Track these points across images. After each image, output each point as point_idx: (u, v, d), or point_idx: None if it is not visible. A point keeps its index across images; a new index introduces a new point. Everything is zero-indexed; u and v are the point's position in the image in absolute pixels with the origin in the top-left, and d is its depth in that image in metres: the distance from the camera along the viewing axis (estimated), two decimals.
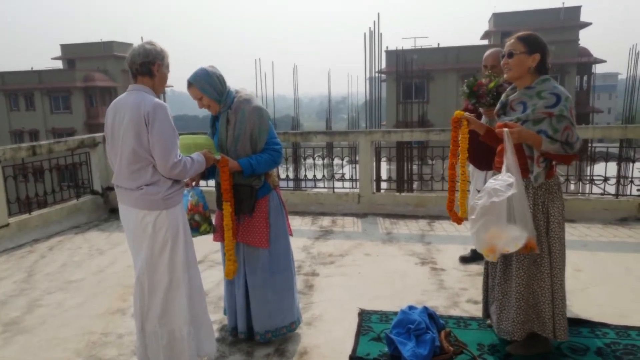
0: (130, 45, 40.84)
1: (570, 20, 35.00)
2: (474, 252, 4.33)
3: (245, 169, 2.80)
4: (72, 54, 39.54)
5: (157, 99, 2.53)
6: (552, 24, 34.38)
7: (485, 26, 40.58)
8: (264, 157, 2.83)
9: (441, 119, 28.29)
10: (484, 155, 3.93)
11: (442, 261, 4.38)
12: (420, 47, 34.21)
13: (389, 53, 31.94)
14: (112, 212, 6.74)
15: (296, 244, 4.64)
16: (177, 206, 2.62)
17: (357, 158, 6.70)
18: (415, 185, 8.74)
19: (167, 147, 2.44)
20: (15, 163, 5.88)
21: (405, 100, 31.39)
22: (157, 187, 2.53)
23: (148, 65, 2.56)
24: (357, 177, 6.56)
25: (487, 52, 3.78)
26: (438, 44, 33.29)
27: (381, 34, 21.15)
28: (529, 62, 2.65)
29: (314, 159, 6.86)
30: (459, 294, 3.68)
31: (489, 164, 3.90)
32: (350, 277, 4.09)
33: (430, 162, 6.66)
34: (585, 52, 32.28)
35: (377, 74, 32.70)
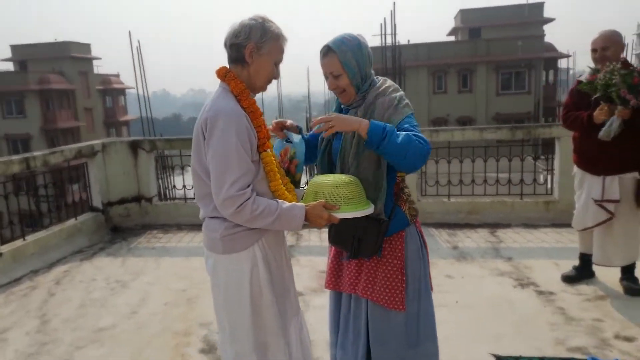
0: (88, 45, 38.84)
1: (534, 16, 35.55)
2: (578, 269, 3.76)
3: (373, 135, 1.82)
4: (24, 55, 37.04)
5: (228, 102, 1.79)
6: (517, 20, 34.86)
7: (451, 23, 40.87)
8: (405, 135, 1.83)
9: (416, 115, 28.11)
10: (599, 156, 3.39)
11: (542, 282, 3.78)
12: (390, 45, 33.96)
13: None
14: (115, 231, 5.83)
15: None
16: (245, 253, 1.87)
17: None
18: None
19: (220, 173, 1.74)
20: (5, 180, 4.91)
21: None
22: (217, 223, 1.87)
23: (238, 49, 1.82)
24: None
25: (597, 34, 3.31)
26: (408, 41, 32.99)
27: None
28: None
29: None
30: (599, 327, 3.07)
31: (607, 167, 3.35)
32: (450, 309, 3.42)
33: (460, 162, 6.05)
34: (551, 47, 32.88)
35: None
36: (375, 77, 2.09)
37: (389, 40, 18.73)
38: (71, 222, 5.45)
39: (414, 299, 2.10)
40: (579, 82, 3.41)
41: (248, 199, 1.74)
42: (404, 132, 1.87)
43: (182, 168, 6.22)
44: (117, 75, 43.22)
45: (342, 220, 1.86)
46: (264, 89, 1.91)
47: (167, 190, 6.46)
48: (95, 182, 5.84)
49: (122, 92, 42.69)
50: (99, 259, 4.91)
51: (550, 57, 32.12)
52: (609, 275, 3.71)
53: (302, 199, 1.99)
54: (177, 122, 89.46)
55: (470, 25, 36.21)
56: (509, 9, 35.62)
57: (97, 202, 5.86)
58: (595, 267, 3.71)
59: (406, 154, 1.82)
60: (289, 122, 2.20)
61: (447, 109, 30.52)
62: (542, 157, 7.25)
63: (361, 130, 1.86)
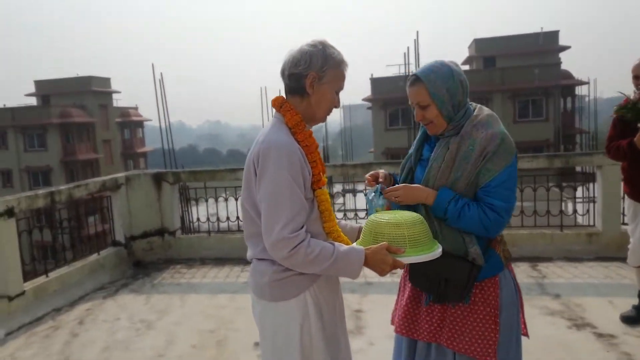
0: (108, 79, 39.75)
1: (550, 44, 35.60)
2: (638, 309, 3.47)
3: (438, 206, 1.81)
4: (47, 90, 38.01)
5: (281, 135, 1.63)
6: (532, 49, 34.92)
7: (465, 52, 41.04)
8: (474, 210, 1.79)
9: None
10: None
11: (599, 322, 3.48)
12: (404, 74, 34.19)
13: (374, 80, 31.80)
14: (138, 266, 5.67)
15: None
16: (295, 301, 1.68)
17: None
18: None
19: (272, 211, 1.58)
20: (29, 215, 4.80)
21: (392, 126, 31.33)
22: (266, 266, 1.70)
23: (298, 79, 1.67)
24: None
25: (638, 60, 3.18)
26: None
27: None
28: None
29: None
30: None
31: None
32: None
33: None
34: (568, 75, 32.74)
35: (362, 101, 32.66)
36: (470, 105, 1.93)
37: (411, 69, 18.76)
38: (93, 257, 5.30)
39: (505, 349, 1.90)
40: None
41: (302, 241, 1.57)
42: (473, 207, 1.80)
43: (207, 200, 6.08)
44: (136, 108, 44.10)
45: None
46: (324, 119, 1.76)
47: (190, 224, 6.30)
48: (119, 216, 5.71)
49: (140, 124, 43.43)
50: (122, 296, 4.74)
51: (568, 84, 31.92)
52: None
53: (355, 240, 1.81)
54: (193, 153, 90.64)
55: (485, 54, 36.29)
56: (524, 37, 35.75)
57: (119, 236, 5.72)
58: None
59: (468, 227, 1.82)
60: (381, 173, 2.02)
61: None
62: (564, 185, 6.98)
63: (427, 202, 1.86)
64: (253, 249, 1.74)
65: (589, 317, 3.58)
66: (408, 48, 17.68)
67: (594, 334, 3.35)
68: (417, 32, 16.68)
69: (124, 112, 41.51)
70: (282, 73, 1.72)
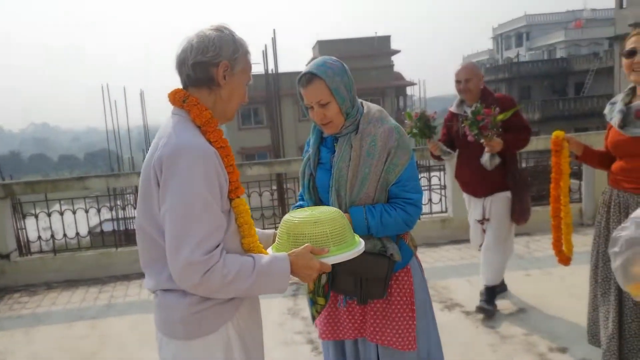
0: None
1: (383, 48, 38.83)
2: (485, 299, 3.60)
3: (357, 226, 1.77)
4: None
5: (192, 135, 1.38)
6: (368, 52, 37.72)
7: (309, 53, 42.62)
8: (393, 214, 1.81)
9: (286, 144, 28.60)
10: (473, 180, 3.49)
11: (465, 302, 3.79)
12: (254, 74, 34.27)
13: None
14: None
15: None
16: (214, 337, 1.42)
17: None
18: None
19: (180, 230, 1.30)
20: None
21: (246, 125, 31.32)
22: (176, 299, 1.40)
23: (206, 68, 1.42)
24: None
25: (460, 67, 3.40)
26: (272, 70, 33.55)
27: None
28: None
29: None
30: (532, 342, 3.13)
31: (485, 189, 3.46)
32: None
33: None
34: (400, 76, 36.22)
35: None
36: (358, 101, 1.91)
37: (270, 67, 18.68)
38: None
39: (425, 335, 1.97)
40: (451, 112, 3.51)
41: (216, 263, 1.31)
42: (396, 212, 1.81)
43: (49, 215, 5.28)
44: None
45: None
46: (233, 116, 1.53)
47: (29, 243, 5.42)
48: None
49: None
50: None
51: (400, 85, 35.21)
52: (519, 286, 3.89)
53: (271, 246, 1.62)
54: (17, 161, 79.75)
55: (328, 55, 38.13)
56: (361, 41, 38.40)
57: None
58: (506, 279, 3.85)
59: (394, 231, 1.86)
60: None
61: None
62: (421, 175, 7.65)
63: None
64: (156, 278, 1.44)
65: (456, 298, 3.90)
66: (266, 46, 17.57)
67: (462, 312, 3.65)
68: (274, 30, 16.70)
69: None
70: (182, 63, 1.43)
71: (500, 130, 3.14)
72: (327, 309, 1.98)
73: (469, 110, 3.24)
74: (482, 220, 3.52)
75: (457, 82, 3.38)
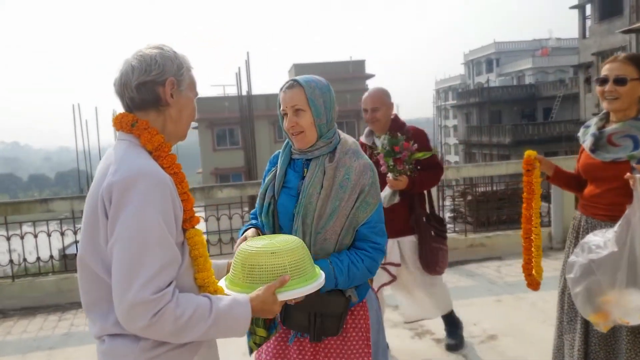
0: None
1: (358, 72, 39.48)
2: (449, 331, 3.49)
3: (326, 280, 1.60)
4: None
5: (144, 161, 1.29)
6: (343, 75, 38.27)
7: (285, 76, 42.94)
8: (360, 266, 1.70)
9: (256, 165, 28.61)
10: (386, 218, 2.50)
11: (435, 329, 3.72)
12: (228, 95, 34.32)
13: (198, 100, 31.20)
14: None
15: None
16: None
17: None
18: None
19: (130, 264, 1.19)
20: None
21: (220, 147, 31.26)
22: (126, 345, 1.28)
23: (151, 88, 1.34)
24: None
25: (366, 94, 3.09)
26: (247, 92, 33.65)
27: None
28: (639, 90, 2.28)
29: None
30: None
31: (391, 230, 2.96)
32: None
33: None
34: None
35: None
36: (336, 129, 1.87)
37: (243, 89, 18.70)
38: None
39: None
40: (360, 142, 3.13)
41: (168, 302, 1.20)
42: (361, 260, 1.72)
43: (9, 239, 5.05)
44: None
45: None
46: (185, 136, 1.45)
47: None
48: None
49: None
50: None
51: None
52: (490, 312, 3.87)
53: (225, 277, 1.51)
54: None
55: None
56: (337, 65, 38.99)
57: None
58: (476, 305, 3.82)
59: (360, 281, 1.76)
60: (249, 233, 1.81)
61: None
62: None
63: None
64: (102, 322, 1.30)
65: (427, 325, 3.82)
66: (239, 68, 17.63)
67: (433, 339, 3.59)
68: (248, 52, 16.79)
69: None
70: (124, 86, 1.34)
71: (417, 167, 2.92)
72: (275, 344, 1.85)
73: (377, 141, 3.01)
74: (385, 265, 3.07)
75: (364, 110, 3.06)
